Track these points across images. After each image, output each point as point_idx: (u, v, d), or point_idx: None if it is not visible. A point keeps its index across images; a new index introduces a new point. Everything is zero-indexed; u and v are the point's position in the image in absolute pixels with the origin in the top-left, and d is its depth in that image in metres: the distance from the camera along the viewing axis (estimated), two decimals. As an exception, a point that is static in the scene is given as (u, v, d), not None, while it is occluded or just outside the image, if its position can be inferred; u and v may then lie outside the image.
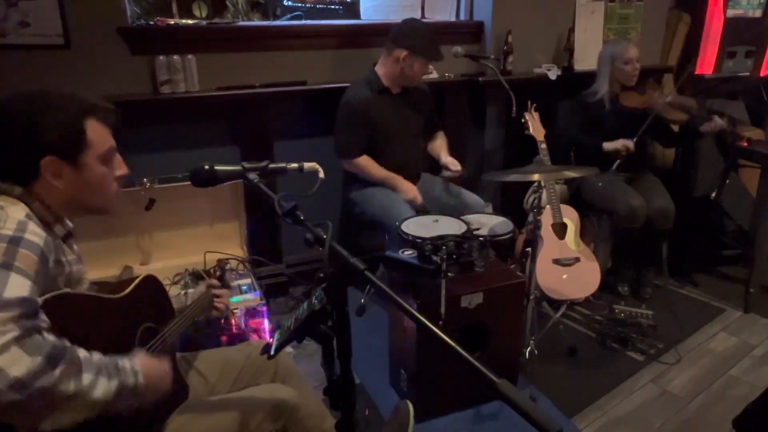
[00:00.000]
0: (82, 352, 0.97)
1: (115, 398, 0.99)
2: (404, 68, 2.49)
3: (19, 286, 0.93)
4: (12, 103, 1.13)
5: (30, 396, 0.85)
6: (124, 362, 1.05)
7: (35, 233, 1.04)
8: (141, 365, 1.08)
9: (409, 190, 2.54)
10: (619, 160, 2.77)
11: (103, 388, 0.96)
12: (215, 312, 1.59)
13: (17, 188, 1.11)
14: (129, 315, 1.23)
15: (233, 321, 2.11)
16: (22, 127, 1.10)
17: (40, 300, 0.97)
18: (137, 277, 1.30)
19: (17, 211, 1.06)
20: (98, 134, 1.18)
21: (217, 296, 1.58)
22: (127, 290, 1.24)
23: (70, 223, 1.23)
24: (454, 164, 2.63)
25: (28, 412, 0.88)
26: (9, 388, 0.83)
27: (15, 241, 0.99)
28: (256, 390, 1.44)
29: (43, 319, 0.95)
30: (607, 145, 2.80)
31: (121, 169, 1.25)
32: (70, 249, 1.23)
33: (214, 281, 1.61)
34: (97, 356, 1.00)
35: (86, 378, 0.94)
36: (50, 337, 0.92)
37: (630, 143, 2.76)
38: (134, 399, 1.05)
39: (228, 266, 1.72)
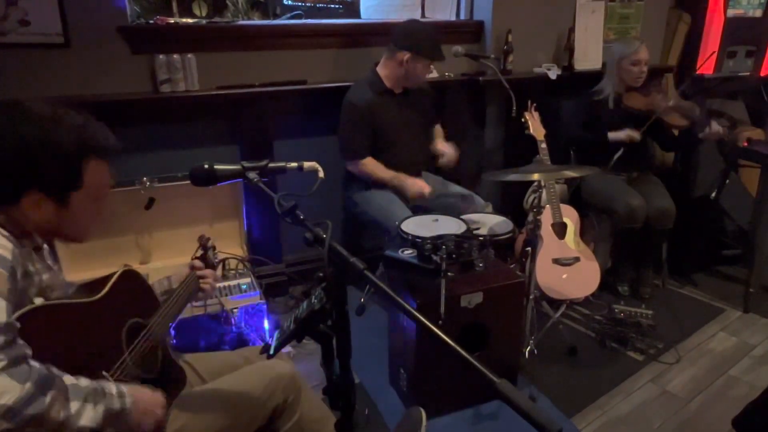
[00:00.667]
0: (68, 379, 0.96)
1: (103, 423, 0.98)
2: (408, 70, 2.49)
3: None
4: (10, 120, 1.04)
5: (21, 424, 0.85)
6: (110, 387, 1.04)
7: (1, 245, 1.00)
8: (130, 390, 1.07)
9: (416, 183, 2.53)
10: (621, 150, 2.76)
11: (89, 415, 0.96)
12: (202, 294, 1.54)
13: None
14: (111, 314, 1.20)
15: (232, 320, 2.12)
16: (15, 154, 1.02)
17: (17, 323, 0.94)
18: (113, 274, 1.26)
19: None
20: (96, 175, 1.12)
21: (202, 277, 1.52)
22: (105, 289, 1.21)
23: (39, 239, 1.18)
24: (446, 155, 2.66)
25: None
26: (1, 417, 0.83)
27: None
28: (257, 366, 1.45)
29: (25, 345, 0.93)
30: (612, 135, 2.81)
31: (107, 207, 1.21)
32: (39, 258, 1.19)
33: (197, 262, 1.55)
34: (84, 381, 0.99)
35: (74, 405, 0.93)
36: (36, 365, 0.92)
37: (636, 134, 2.76)
38: (124, 423, 1.04)
39: (210, 243, 1.67)
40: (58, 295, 1.21)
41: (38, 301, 1.09)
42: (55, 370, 0.94)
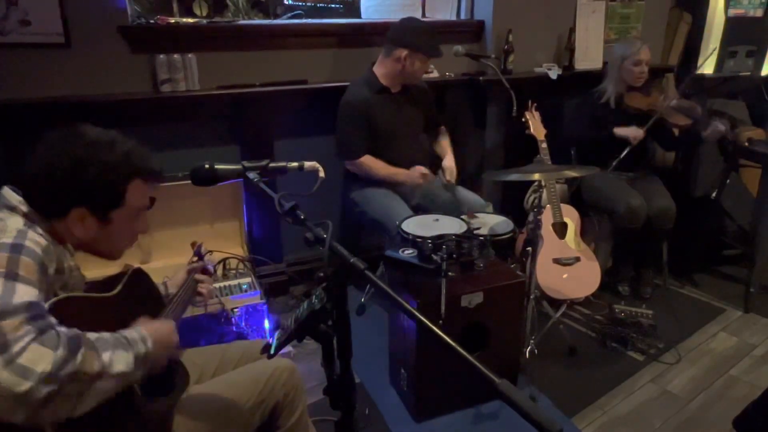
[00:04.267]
0: (92, 335, 1.00)
1: (134, 368, 1.02)
2: (405, 67, 2.49)
3: (25, 293, 0.96)
4: (68, 142, 1.12)
5: (61, 384, 0.89)
6: (132, 333, 1.07)
7: (35, 241, 1.05)
8: (147, 331, 1.10)
9: (414, 172, 2.53)
10: (627, 149, 2.76)
11: (123, 360, 1.00)
12: (200, 298, 1.56)
13: (25, 207, 1.11)
14: (125, 311, 1.22)
15: (233, 320, 2.12)
16: (68, 173, 1.10)
17: (45, 305, 0.99)
18: (126, 272, 1.30)
19: (16, 222, 1.08)
20: (138, 195, 1.19)
21: (199, 281, 1.55)
22: (120, 286, 1.24)
23: (72, 249, 1.23)
24: (450, 173, 2.63)
25: (65, 400, 0.91)
26: (41, 382, 0.87)
27: (17, 249, 1.01)
28: (255, 364, 1.47)
29: (52, 318, 0.97)
30: (619, 131, 2.80)
31: (142, 227, 1.27)
32: (72, 259, 1.24)
33: (194, 266, 1.58)
34: (106, 334, 1.02)
35: (105, 356, 0.97)
36: (63, 329, 0.95)
37: (640, 132, 2.76)
38: (149, 364, 1.08)
39: (203, 249, 1.69)
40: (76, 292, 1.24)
41: (61, 294, 1.12)
42: (77, 330, 0.98)
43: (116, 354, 0.99)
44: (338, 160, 2.62)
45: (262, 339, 2.14)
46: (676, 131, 2.97)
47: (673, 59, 3.75)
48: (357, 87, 2.56)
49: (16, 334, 0.89)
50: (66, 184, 1.11)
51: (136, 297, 1.29)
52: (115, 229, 1.19)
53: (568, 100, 3.17)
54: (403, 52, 2.46)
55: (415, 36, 2.46)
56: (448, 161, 2.70)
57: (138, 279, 1.33)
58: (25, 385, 0.86)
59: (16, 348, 0.87)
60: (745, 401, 1.88)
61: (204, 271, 1.59)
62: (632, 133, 2.77)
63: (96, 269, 2.13)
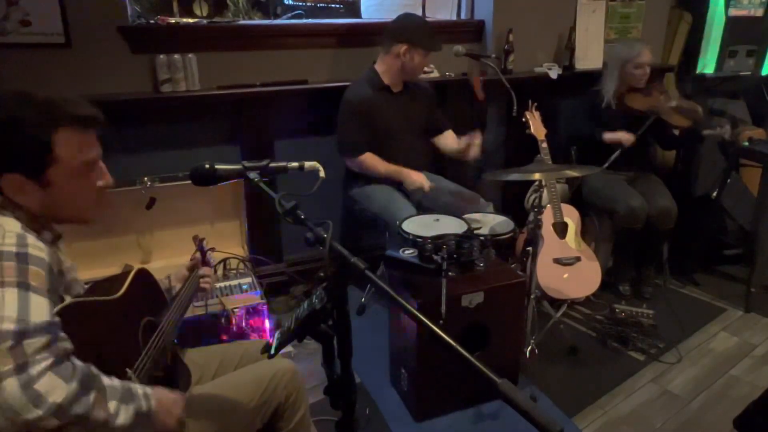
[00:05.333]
0: (105, 380, 0.98)
1: (133, 424, 0.99)
2: (404, 62, 2.50)
3: (41, 308, 0.93)
4: None
5: (66, 422, 0.87)
6: (137, 388, 1.05)
7: (37, 247, 1.01)
8: (153, 392, 1.08)
9: (417, 178, 2.52)
10: (618, 151, 2.76)
11: (124, 415, 0.97)
12: (202, 293, 1.57)
13: None
14: (129, 312, 1.23)
15: (233, 320, 2.12)
16: None
17: (58, 319, 0.97)
18: (129, 273, 1.29)
19: (11, 223, 1.02)
20: (70, 147, 1.07)
21: (202, 276, 1.56)
22: (124, 288, 1.24)
23: (56, 228, 1.18)
24: (473, 139, 2.53)
25: None
26: (51, 413, 0.85)
27: (22, 258, 0.97)
28: (256, 365, 1.47)
29: (67, 339, 0.95)
30: (608, 136, 2.80)
31: (103, 179, 1.16)
32: (63, 255, 1.21)
33: (197, 258, 1.58)
34: (116, 382, 1.00)
35: (112, 405, 0.95)
36: (78, 363, 0.93)
37: (631, 137, 2.76)
38: (150, 424, 1.05)
39: (205, 242, 1.70)
40: (76, 292, 1.24)
41: (67, 298, 1.11)
42: (93, 368, 0.96)
43: (120, 407, 0.97)
44: (339, 157, 2.62)
45: (263, 339, 2.14)
46: (676, 131, 2.97)
47: (673, 59, 3.75)
48: (359, 85, 2.57)
49: (36, 356, 0.87)
50: None
51: (141, 298, 1.30)
52: (63, 189, 1.09)
53: (567, 101, 3.16)
54: (402, 48, 2.46)
55: (414, 31, 2.47)
56: (466, 138, 2.57)
57: (142, 279, 1.33)
58: (35, 413, 0.84)
59: (35, 372, 0.86)
60: (746, 401, 1.88)
61: (205, 263, 1.60)
62: (623, 137, 2.77)
63: (94, 269, 2.13)
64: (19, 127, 1.03)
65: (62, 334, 0.95)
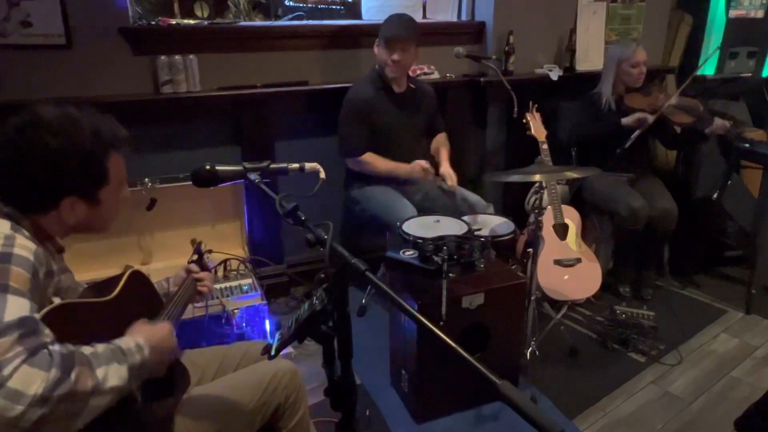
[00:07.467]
0: (87, 349, 0.98)
1: (128, 380, 1.00)
2: (377, 57, 2.55)
3: (16, 308, 0.92)
4: (31, 134, 1.07)
5: (55, 405, 0.87)
6: (128, 343, 1.05)
7: (24, 246, 1.01)
8: (143, 337, 1.08)
9: (416, 166, 2.53)
10: (637, 131, 2.73)
11: (116, 375, 0.98)
12: (199, 297, 1.56)
13: (8, 208, 1.08)
14: (123, 314, 1.21)
15: (233, 321, 2.12)
16: (47, 167, 1.07)
17: (38, 315, 0.96)
18: (123, 274, 1.28)
19: (1, 225, 1.03)
20: (118, 167, 1.18)
21: (199, 280, 1.54)
22: (117, 289, 1.22)
23: (60, 242, 1.21)
24: (451, 179, 2.61)
25: (59, 420, 0.89)
26: (32, 405, 0.85)
27: (5, 259, 0.97)
28: (256, 366, 1.47)
29: (46, 333, 0.95)
30: (626, 120, 2.78)
31: (125, 194, 1.26)
32: (60, 259, 1.22)
33: (193, 266, 1.57)
34: (101, 347, 1.00)
35: (100, 372, 0.95)
36: (56, 348, 0.92)
37: (650, 117, 2.72)
38: (147, 372, 1.07)
39: (203, 246, 1.70)
40: (71, 296, 1.23)
41: (56, 300, 1.10)
42: (71, 345, 0.95)
43: (110, 368, 0.97)
44: (340, 157, 2.62)
45: (263, 340, 2.14)
46: (678, 129, 2.97)
47: (674, 60, 3.75)
48: (361, 84, 2.58)
49: (6, 355, 0.86)
50: (49, 180, 1.08)
51: (135, 299, 1.28)
52: (106, 206, 1.19)
53: (568, 103, 3.16)
54: (376, 44, 2.54)
55: (383, 26, 2.52)
56: (445, 167, 2.67)
57: (136, 281, 1.31)
58: (16, 410, 0.83)
59: (6, 371, 0.84)
60: (747, 403, 1.88)
61: (203, 268, 1.59)
62: (640, 116, 2.73)
63: (95, 270, 2.13)
64: (80, 153, 1.10)
65: (41, 328, 0.94)
